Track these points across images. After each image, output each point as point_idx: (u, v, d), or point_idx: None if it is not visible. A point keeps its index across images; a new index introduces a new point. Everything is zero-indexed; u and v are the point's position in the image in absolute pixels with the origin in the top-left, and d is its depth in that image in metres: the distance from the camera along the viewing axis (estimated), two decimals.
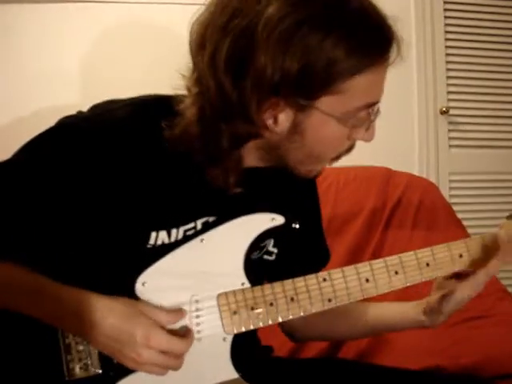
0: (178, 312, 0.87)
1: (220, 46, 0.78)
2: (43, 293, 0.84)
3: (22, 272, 0.84)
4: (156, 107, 0.88)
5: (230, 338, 0.89)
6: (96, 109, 0.92)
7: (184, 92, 0.86)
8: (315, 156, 0.88)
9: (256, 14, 0.76)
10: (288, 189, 0.99)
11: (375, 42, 0.79)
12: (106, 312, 0.82)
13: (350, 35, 0.77)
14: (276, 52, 0.75)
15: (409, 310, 1.02)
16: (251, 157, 0.90)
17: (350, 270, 0.93)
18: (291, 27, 0.75)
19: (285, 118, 0.82)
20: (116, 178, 0.86)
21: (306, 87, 0.78)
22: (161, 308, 0.86)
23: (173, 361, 0.84)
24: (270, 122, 0.82)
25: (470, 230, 1.74)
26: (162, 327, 0.84)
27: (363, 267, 0.93)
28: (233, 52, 0.78)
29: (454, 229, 1.68)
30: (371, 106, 0.83)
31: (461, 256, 0.97)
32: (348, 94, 0.79)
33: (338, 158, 0.91)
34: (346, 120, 0.82)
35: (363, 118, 0.84)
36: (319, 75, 0.77)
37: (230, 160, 0.86)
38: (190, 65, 0.85)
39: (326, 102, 0.80)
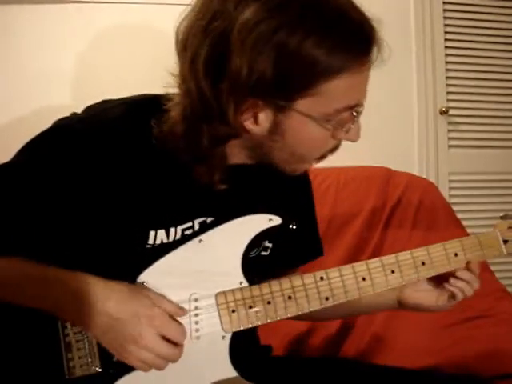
0: (180, 307, 0.88)
1: (199, 50, 0.79)
2: (46, 276, 0.84)
3: (26, 263, 0.85)
4: (148, 106, 0.89)
5: (228, 337, 0.90)
6: (90, 110, 0.93)
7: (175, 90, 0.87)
8: (298, 156, 0.88)
9: (232, 18, 0.76)
10: (281, 186, 1.00)
11: (356, 43, 0.78)
12: (110, 290, 0.83)
13: (328, 37, 0.76)
14: (251, 56, 0.75)
15: (385, 295, 1.04)
16: (238, 155, 0.90)
17: (346, 269, 0.94)
18: (266, 32, 0.75)
19: (264, 118, 0.82)
20: (112, 178, 0.86)
21: (284, 89, 0.78)
22: (164, 297, 0.87)
23: (172, 349, 0.84)
24: (249, 121, 0.82)
25: (469, 230, 1.74)
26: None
27: (360, 266, 0.95)
28: (211, 56, 0.78)
29: (454, 229, 1.68)
30: (353, 108, 0.83)
31: (456, 255, 0.99)
32: (327, 95, 0.79)
33: (322, 157, 0.91)
34: (326, 122, 0.82)
35: (345, 120, 0.84)
36: (297, 78, 0.77)
37: (213, 158, 0.86)
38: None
39: (304, 104, 0.79)
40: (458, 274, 0.99)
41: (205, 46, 0.78)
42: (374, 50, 0.81)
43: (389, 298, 1.05)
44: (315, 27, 0.76)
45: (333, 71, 0.77)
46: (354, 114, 0.84)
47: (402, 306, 1.05)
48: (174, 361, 0.85)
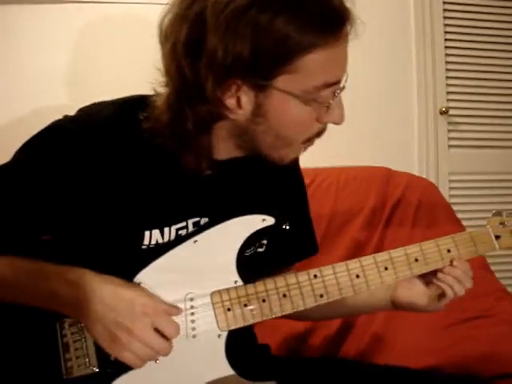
0: (174, 306, 0.88)
1: (179, 34, 0.80)
2: (44, 270, 0.85)
3: (24, 260, 0.86)
4: (137, 104, 0.90)
5: (224, 335, 0.90)
6: (82, 111, 0.94)
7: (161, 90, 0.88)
8: (282, 138, 0.87)
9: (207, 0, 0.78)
10: (274, 184, 1.00)
11: (327, 18, 0.79)
12: (106, 280, 0.83)
13: (300, 12, 0.77)
14: (225, 35, 0.76)
15: (378, 295, 1.06)
16: (227, 145, 0.91)
17: (340, 266, 0.95)
18: (238, 10, 0.76)
19: (247, 100, 0.82)
20: (104, 178, 0.87)
21: (260, 67, 0.79)
22: (158, 296, 0.87)
23: (163, 343, 0.83)
24: (232, 103, 0.82)
25: (469, 230, 1.74)
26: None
27: (353, 264, 0.95)
28: (189, 37, 0.79)
29: (454, 228, 1.66)
30: (332, 85, 0.83)
31: (449, 251, 0.99)
32: (304, 71, 0.79)
33: (309, 141, 0.90)
34: (307, 99, 0.82)
35: (325, 98, 0.84)
36: (271, 54, 0.77)
37: (199, 145, 0.87)
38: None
39: (283, 81, 0.80)
40: (446, 270, 0.99)
41: (184, 30, 0.79)
42: (347, 25, 0.81)
43: (382, 298, 1.06)
44: (287, 2, 0.76)
45: (306, 46, 0.78)
46: (335, 92, 0.84)
47: (395, 306, 1.05)
48: (164, 355, 0.84)
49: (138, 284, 0.88)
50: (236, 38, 0.76)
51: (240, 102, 0.82)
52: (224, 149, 0.91)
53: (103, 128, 0.88)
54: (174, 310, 0.87)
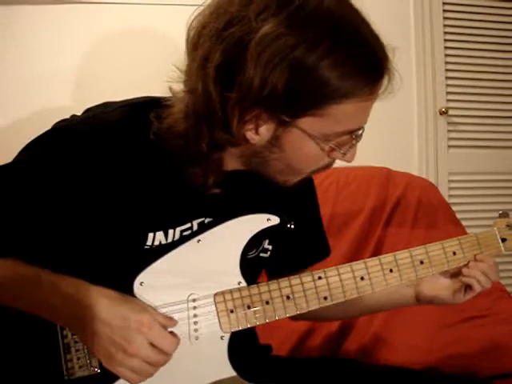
0: (171, 318, 0.87)
1: (212, 53, 0.78)
2: (39, 279, 0.84)
3: (22, 265, 0.85)
4: (148, 107, 0.88)
5: (227, 337, 0.90)
6: (89, 112, 0.93)
7: (176, 88, 0.87)
8: (293, 169, 0.88)
9: (252, 28, 0.76)
10: (281, 187, 0.99)
11: (369, 69, 0.79)
12: (101, 296, 0.82)
13: (346, 58, 0.76)
14: (265, 69, 0.75)
15: (402, 291, 1.06)
16: (235, 162, 0.90)
17: (344, 268, 0.94)
18: (284, 48, 0.75)
19: (266, 129, 0.82)
20: (111, 180, 0.86)
21: (291, 106, 0.78)
22: (155, 309, 0.87)
23: (160, 356, 0.82)
24: (251, 131, 0.82)
25: (469, 230, 1.74)
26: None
27: (358, 265, 0.95)
28: (223, 61, 0.78)
29: (453, 229, 1.68)
30: (352, 132, 0.83)
31: (454, 253, 0.99)
32: (331, 118, 0.79)
33: (317, 171, 0.91)
34: (325, 142, 0.83)
35: (343, 142, 0.84)
36: (306, 96, 0.77)
37: (209, 162, 0.86)
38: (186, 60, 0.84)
39: (307, 123, 0.80)
40: (471, 264, 1.00)
41: (218, 51, 0.78)
42: (385, 78, 0.81)
43: (405, 294, 1.06)
44: (333, 50, 0.76)
45: (341, 95, 0.78)
46: (354, 136, 0.84)
47: (419, 300, 1.05)
48: (162, 365, 0.83)
49: (140, 283, 0.88)
50: (275, 75, 0.75)
51: (258, 129, 0.82)
52: (231, 163, 0.90)
53: (111, 131, 0.87)
54: (171, 321, 0.87)
